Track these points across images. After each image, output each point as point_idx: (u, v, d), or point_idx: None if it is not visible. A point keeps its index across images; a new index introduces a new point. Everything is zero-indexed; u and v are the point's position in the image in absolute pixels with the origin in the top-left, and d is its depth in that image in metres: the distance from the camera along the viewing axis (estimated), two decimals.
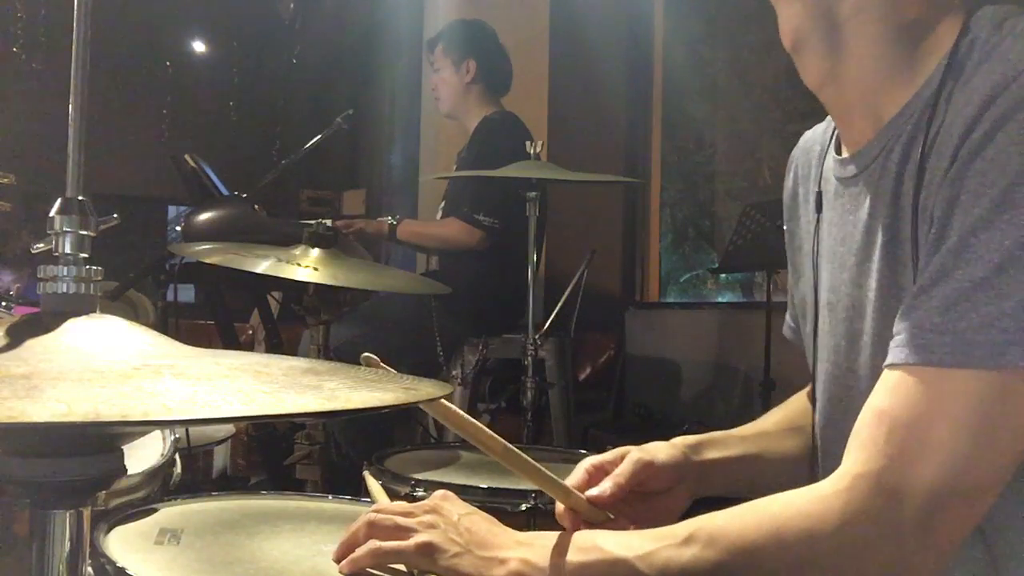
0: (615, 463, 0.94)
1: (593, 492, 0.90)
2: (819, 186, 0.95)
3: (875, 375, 0.82)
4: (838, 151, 0.92)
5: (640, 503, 0.94)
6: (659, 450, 0.95)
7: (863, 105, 0.84)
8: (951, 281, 0.68)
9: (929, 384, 0.68)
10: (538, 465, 0.87)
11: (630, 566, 0.75)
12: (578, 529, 0.88)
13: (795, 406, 1.13)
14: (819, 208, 0.94)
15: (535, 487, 1.16)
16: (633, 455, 0.94)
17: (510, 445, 0.86)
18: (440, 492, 0.89)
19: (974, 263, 0.67)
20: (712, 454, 0.99)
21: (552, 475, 0.88)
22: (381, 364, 0.80)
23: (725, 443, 1.02)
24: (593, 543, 0.78)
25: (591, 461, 0.95)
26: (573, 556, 0.77)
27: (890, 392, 0.71)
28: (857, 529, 0.69)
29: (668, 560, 0.74)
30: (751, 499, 0.97)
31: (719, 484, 1.00)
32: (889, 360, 0.72)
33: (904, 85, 0.80)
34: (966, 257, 0.68)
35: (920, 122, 0.77)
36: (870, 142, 0.83)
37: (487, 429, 0.85)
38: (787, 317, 1.15)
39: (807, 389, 1.12)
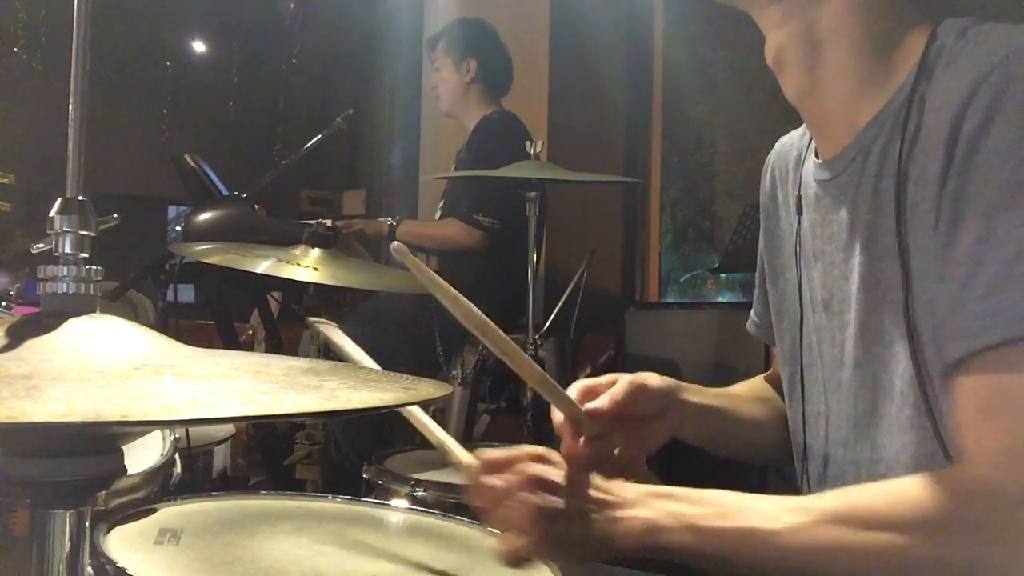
0: (608, 385, 0.96)
1: (591, 405, 0.92)
2: (799, 190, 0.99)
3: (857, 364, 0.88)
4: (817, 156, 0.96)
5: (628, 427, 0.96)
6: (650, 377, 0.99)
7: (840, 114, 0.88)
8: (988, 268, 0.71)
9: (1007, 361, 0.70)
10: (537, 367, 0.87)
11: (773, 538, 0.75)
12: (577, 439, 0.91)
13: (758, 382, 1.21)
14: (799, 211, 0.98)
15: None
16: (627, 377, 0.97)
17: (512, 343, 0.86)
18: (529, 451, 0.86)
19: (1002, 244, 0.71)
20: (691, 397, 1.03)
21: (553, 381, 0.89)
22: (409, 254, 0.76)
23: (702, 393, 1.07)
24: (729, 508, 0.78)
25: (583, 383, 0.97)
26: (711, 519, 0.77)
27: (971, 394, 0.73)
28: (986, 524, 0.71)
29: (814, 537, 0.74)
30: (718, 451, 1.08)
31: (694, 427, 1.03)
32: (956, 356, 0.74)
33: (878, 93, 0.85)
34: (991, 242, 0.71)
35: (896, 123, 0.82)
36: (847, 147, 0.88)
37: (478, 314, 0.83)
38: (752, 313, 1.20)
39: (768, 373, 1.21)
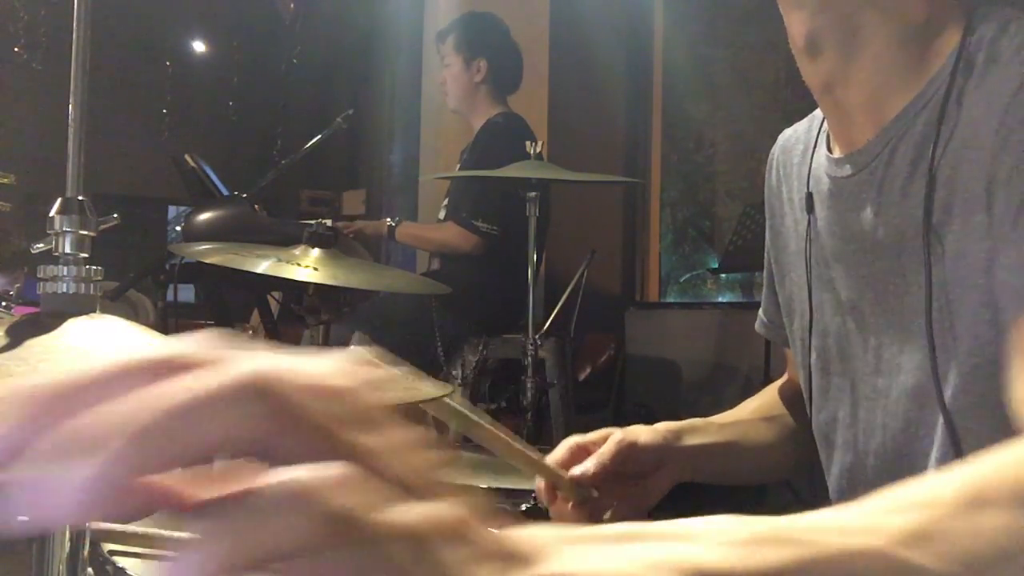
0: (598, 444, 0.93)
1: (577, 470, 0.89)
2: (808, 187, 0.94)
3: (875, 370, 0.85)
4: (829, 149, 0.91)
5: (622, 485, 0.93)
6: (641, 432, 0.95)
7: (867, 106, 0.83)
8: None
9: None
10: (518, 444, 0.86)
11: (892, 559, 0.41)
12: (565, 503, 0.89)
13: (768, 397, 1.15)
14: (810, 209, 0.93)
15: (532, 482, 1.16)
16: (616, 436, 0.93)
17: (484, 423, 0.84)
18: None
19: None
20: (692, 440, 0.99)
21: (533, 453, 0.88)
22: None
23: (705, 430, 1.02)
24: (787, 534, 0.41)
25: (574, 440, 0.94)
26: (766, 552, 0.39)
27: None
28: None
29: (964, 534, 0.42)
30: (725, 483, 1.02)
31: (698, 470, 1.00)
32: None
33: (910, 84, 0.80)
34: None
35: (930, 121, 0.77)
36: (870, 141, 0.83)
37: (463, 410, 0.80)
38: (760, 313, 1.15)
39: (781, 381, 1.15)
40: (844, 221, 0.88)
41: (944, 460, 0.79)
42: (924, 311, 0.77)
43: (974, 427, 0.76)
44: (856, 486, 0.93)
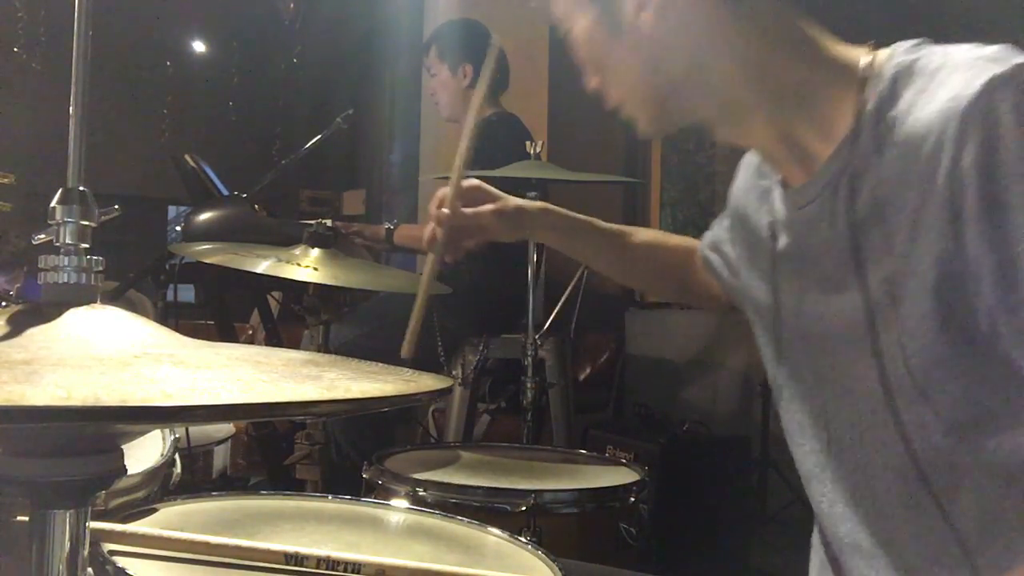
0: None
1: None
2: (772, 215, 0.97)
3: (839, 386, 0.86)
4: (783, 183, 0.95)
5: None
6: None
7: (789, 157, 0.88)
8: None
9: None
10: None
11: None
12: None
13: (675, 241, 1.36)
14: (773, 238, 0.96)
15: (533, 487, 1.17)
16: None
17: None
18: None
19: None
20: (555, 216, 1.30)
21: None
22: None
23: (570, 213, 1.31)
24: None
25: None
26: None
27: None
28: None
29: None
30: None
31: (540, 225, 1.31)
32: None
33: (828, 132, 0.83)
34: None
35: (860, 158, 0.80)
36: (814, 176, 0.86)
37: None
38: (707, 237, 1.24)
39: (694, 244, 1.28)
40: (804, 247, 0.91)
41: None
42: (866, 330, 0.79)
43: (921, 416, 0.78)
44: (837, 476, 0.93)
